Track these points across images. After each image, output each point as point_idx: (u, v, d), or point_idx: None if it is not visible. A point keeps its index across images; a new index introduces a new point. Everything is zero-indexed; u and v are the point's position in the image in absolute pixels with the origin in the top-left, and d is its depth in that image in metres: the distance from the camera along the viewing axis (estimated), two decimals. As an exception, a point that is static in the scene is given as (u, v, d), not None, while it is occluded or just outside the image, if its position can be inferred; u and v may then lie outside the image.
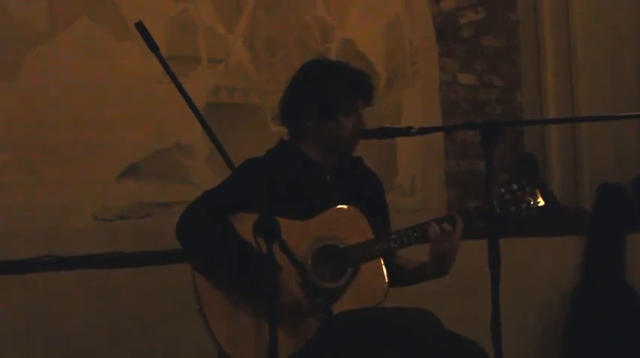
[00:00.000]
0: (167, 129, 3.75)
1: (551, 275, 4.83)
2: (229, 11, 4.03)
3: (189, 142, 3.79)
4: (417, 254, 2.77)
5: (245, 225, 2.40)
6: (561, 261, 4.91)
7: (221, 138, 2.20)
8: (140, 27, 2.19)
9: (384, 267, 2.65)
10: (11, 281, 3.23)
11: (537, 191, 2.63)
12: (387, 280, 2.63)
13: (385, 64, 4.60)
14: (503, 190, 2.66)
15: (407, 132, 2.60)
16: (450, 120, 4.85)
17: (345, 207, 2.68)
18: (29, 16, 3.45)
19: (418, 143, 4.58)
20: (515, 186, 2.65)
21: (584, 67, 5.36)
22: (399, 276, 2.78)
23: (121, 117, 3.63)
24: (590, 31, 5.39)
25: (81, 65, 3.55)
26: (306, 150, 2.75)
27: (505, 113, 5.22)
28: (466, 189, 4.96)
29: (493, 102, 5.19)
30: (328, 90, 2.68)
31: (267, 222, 2.11)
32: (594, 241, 4.99)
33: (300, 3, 4.30)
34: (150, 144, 3.72)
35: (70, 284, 3.35)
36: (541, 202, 2.62)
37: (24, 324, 3.25)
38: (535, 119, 5.36)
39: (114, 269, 3.44)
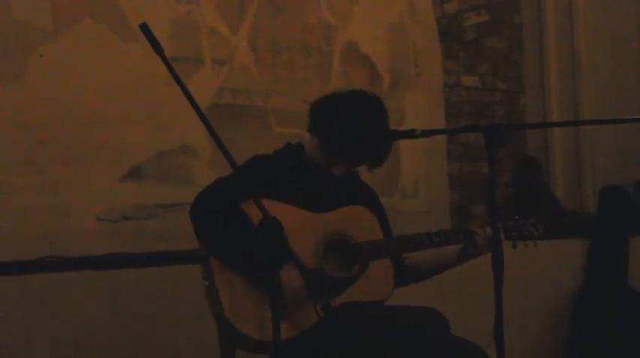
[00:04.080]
0: (171, 131, 3.75)
1: (554, 279, 4.83)
2: (233, 13, 4.03)
3: (193, 143, 3.80)
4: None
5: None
6: (565, 264, 4.90)
7: (224, 139, 2.20)
8: (144, 28, 2.18)
9: (392, 267, 2.70)
10: (14, 282, 3.23)
11: (537, 223, 2.86)
12: (393, 279, 2.68)
13: (389, 66, 4.61)
14: (507, 219, 2.85)
15: (410, 134, 2.60)
16: (453, 123, 4.85)
17: (357, 206, 2.73)
18: (33, 17, 3.45)
19: (421, 145, 4.58)
20: (517, 217, 2.86)
21: (588, 69, 5.36)
22: (413, 273, 2.86)
23: (125, 119, 3.63)
24: (593, 34, 5.39)
25: (85, 66, 3.55)
26: (312, 155, 2.78)
27: (508, 116, 5.22)
28: (469, 191, 4.96)
29: (496, 104, 5.19)
30: (366, 142, 2.72)
31: (271, 220, 2.12)
32: (597, 244, 4.99)
33: (303, 5, 4.30)
34: (153, 145, 3.72)
35: (73, 285, 3.35)
36: (539, 231, 2.86)
37: (27, 325, 3.24)
38: (538, 122, 5.36)
39: (117, 270, 3.44)
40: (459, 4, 4.99)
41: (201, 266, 2.58)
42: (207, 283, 2.54)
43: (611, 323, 4.79)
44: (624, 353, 4.71)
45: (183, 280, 3.27)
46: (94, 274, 3.39)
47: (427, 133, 2.64)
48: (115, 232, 3.56)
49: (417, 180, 4.66)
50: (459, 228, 2.83)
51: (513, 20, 5.30)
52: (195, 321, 3.08)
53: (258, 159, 2.71)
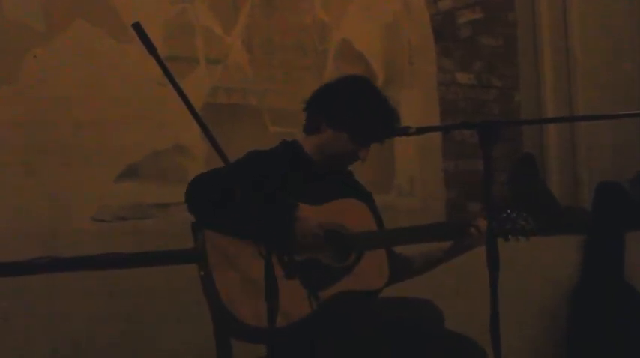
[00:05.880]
0: (165, 130, 3.75)
1: (550, 275, 4.83)
2: (227, 12, 4.03)
3: (188, 143, 3.80)
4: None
5: None
6: (561, 260, 4.91)
7: (219, 139, 2.20)
8: (137, 28, 2.18)
9: (387, 257, 2.72)
10: (9, 283, 3.23)
11: (529, 218, 2.86)
12: (388, 268, 2.70)
13: (383, 64, 4.61)
14: (499, 213, 2.84)
15: (405, 131, 2.61)
16: (449, 120, 4.85)
17: (352, 199, 2.75)
18: (26, 18, 3.45)
19: (416, 143, 4.58)
20: (508, 211, 2.87)
21: (582, 66, 5.36)
22: (407, 265, 2.88)
23: (120, 119, 3.63)
24: (587, 30, 5.40)
25: (79, 67, 3.55)
26: (309, 150, 2.79)
27: (503, 113, 5.22)
28: (465, 188, 4.96)
29: (491, 102, 5.19)
30: (367, 124, 2.72)
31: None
32: (594, 240, 4.99)
33: (298, 3, 4.30)
34: (148, 145, 3.72)
35: (69, 286, 3.35)
36: (531, 226, 2.85)
37: (22, 326, 3.24)
38: (533, 118, 5.36)
39: (114, 269, 3.44)
40: (453, 2, 4.99)
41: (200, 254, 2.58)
42: (202, 273, 2.55)
43: (608, 320, 4.79)
44: (621, 349, 4.71)
45: (180, 280, 3.27)
46: (90, 274, 3.39)
47: (422, 131, 2.65)
48: (111, 232, 3.56)
49: (412, 178, 4.66)
50: (453, 221, 2.85)
51: (508, 17, 5.30)
52: (193, 321, 3.08)
53: (254, 153, 2.72)
